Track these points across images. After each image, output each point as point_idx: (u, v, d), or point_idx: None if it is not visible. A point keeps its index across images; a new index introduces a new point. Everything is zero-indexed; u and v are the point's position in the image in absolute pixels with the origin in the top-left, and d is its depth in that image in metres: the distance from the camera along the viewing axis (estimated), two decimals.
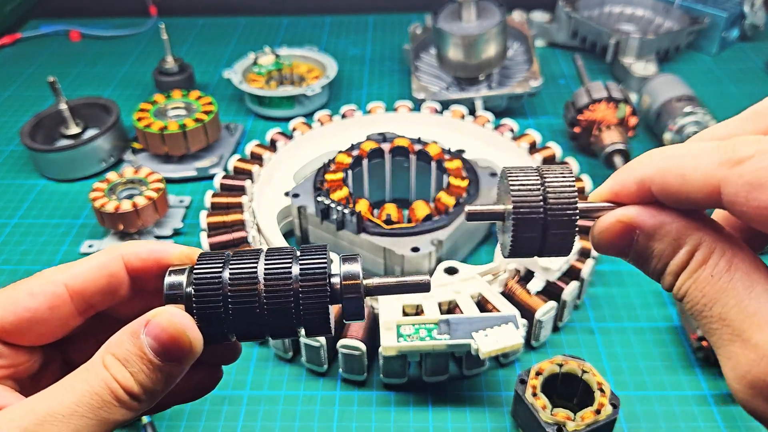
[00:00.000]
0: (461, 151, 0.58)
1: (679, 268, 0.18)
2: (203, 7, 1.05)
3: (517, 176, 0.20)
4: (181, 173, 0.64)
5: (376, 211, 0.51)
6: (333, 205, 0.48)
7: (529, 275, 0.46)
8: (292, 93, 0.72)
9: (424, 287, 0.20)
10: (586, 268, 0.47)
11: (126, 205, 0.53)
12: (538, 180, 0.20)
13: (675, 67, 0.83)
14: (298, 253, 0.20)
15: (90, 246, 0.56)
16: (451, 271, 0.47)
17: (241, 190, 0.56)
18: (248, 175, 0.57)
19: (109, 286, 0.20)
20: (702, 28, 0.83)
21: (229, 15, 1.02)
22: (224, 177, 0.57)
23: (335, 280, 0.20)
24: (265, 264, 0.20)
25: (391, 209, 0.51)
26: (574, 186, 0.20)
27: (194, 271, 0.20)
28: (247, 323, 0.19)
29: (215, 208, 0.54)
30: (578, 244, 0.46)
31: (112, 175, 0.57)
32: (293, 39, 0.94)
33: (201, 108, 0.66)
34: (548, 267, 0.44)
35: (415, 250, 0.46)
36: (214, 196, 0.55)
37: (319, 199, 0.49)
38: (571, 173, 0.20)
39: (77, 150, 0.64)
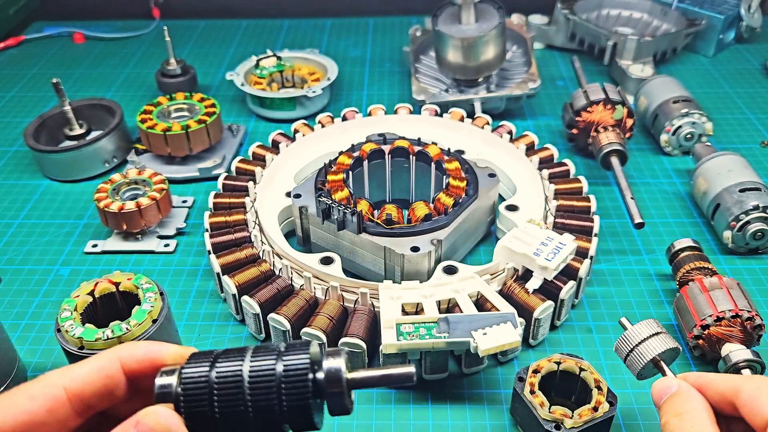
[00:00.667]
0: (460, 152, 0.59)
1: None
2: (205, 9, 1.06)
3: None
4: (184, 174, 0.65)
5: (376, 212, 0.52)
6: (334, 206, 0.48)
7: (527, 274, 0.47)
8: (294, 95, 0.73)
9: (409, 378, 0.21)
10: (584, 268, 0.48)
11: (129, 206, 0.54)
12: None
13: (672, 68, 0.84)
14: (283, 349, 0.21)
15: (94, 246, 0.57)
16: (450, 270, 0.47)
17: (243, 191, 0.57)
18: (250, 175, 0.58)
19: (106, 388, 0.21)
20: (699, 30, 0.84)
21: (230, 17, 1.03)
22: (227, 177, 0.58)
23: (320, 375, 0.20)
24: (250, 363, 0.20)
25: (391, 209, 0.52)
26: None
27: (182, 372, 0.21)
28: (233, 422, 0.20)
29: (218, 209, 0.55)
30: (574, 243, 0.46)
31: (115, 176, 0.58)
32: (294, 41, 0.95)
33: (203, 109, 0.66)
34: (546, 266, 0.44)
35: (415, 249, 0.47)
36: (216, 196, 0.56)
37: (320, 199, 0.49)
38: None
39: (81, 151, 0.64)
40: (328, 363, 0.21)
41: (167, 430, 0.19)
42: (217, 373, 0.20)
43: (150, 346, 0.22)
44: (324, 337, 0.43)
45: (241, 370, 0.20)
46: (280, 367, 0.20)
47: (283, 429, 0.20)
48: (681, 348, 0.39)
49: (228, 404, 0.20)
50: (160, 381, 0.21)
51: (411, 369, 0.21)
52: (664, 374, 0.33)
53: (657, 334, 0.37)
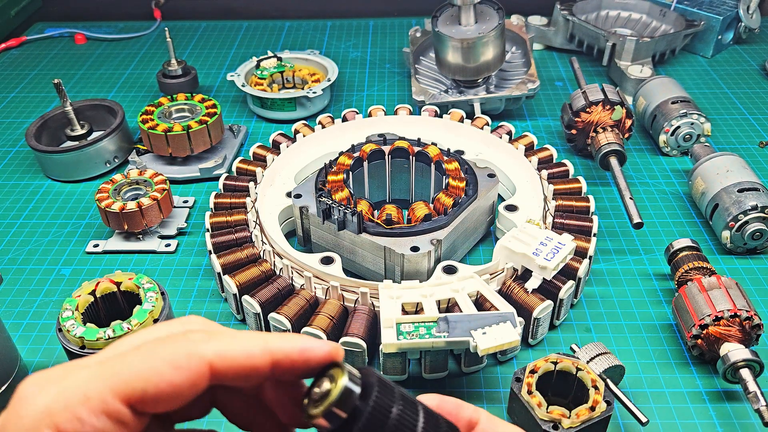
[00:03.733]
0: (460, 153, 0.59)
1: None
2: (206, 10, 1.07)
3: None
4: (185, 174, 0.65)
5: (376, 212, 0.52)
6: (334, 206, 0.49)
7: (526, 274, 0.47)
8: (294, 95, 0.73)
9: None
10: (583, 268, 0.48)
11: (131, 206, 0.54)
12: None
13: (671, 69, 0.84)
14: (446, 427, 0.20)
15: (95, 246, 0.57)
16: (449, 270, 0.47)
17: (244, 191, 0.57)
18: (251, 176, 0.58)
19: (247, 378, 0.19)
20: (697, 31, 0.84)
21: (231, 19, 1.03)
22: (227, 178, 0.58)
23: None
24: (423, 423, 0.19)
25: (391, 209, 0.52)
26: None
27: (374, 395, 0.19)
28: None
29: (218, 209, 0.55)
30: (573, 243, 0.47)
31: (117, 176, 0.58)
32: (295, 42, 0.95)
33: (204, 110, 0.67)
34: (545, 266, 0.45)
35: (415, 249, 0.47)
36: (217, 196, 0.56)
37: (320, 199, 0.50)
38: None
39: (82, 151, 0.65)
40: None
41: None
42: (399, 413, 0.19)
43: (304, 343, 0.20)
44: (324, 337, 0.43)
45: (416, 423, 0.19)
46: None
47: None
48: (625, 367, 0.42)
49: None
50: (346, 383, 0.19)
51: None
52: None
53: (603, 354, 0.41)
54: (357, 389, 0.19)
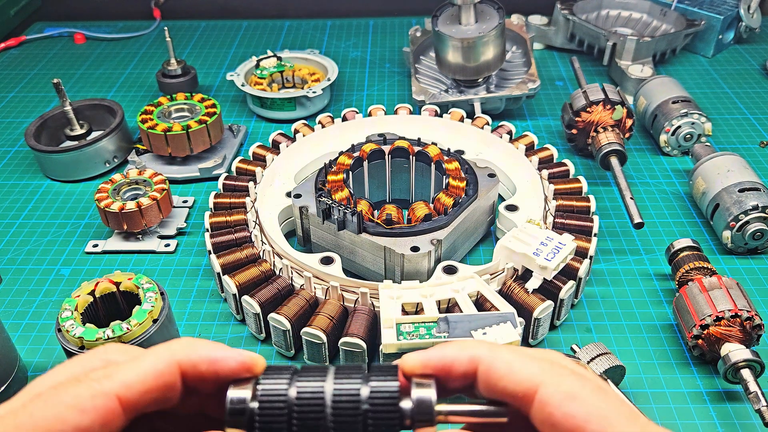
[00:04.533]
0: (460, 152, 0.59)
1: None
2: (206, 10, 1.06)
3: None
4: (184, 174, 0.65)
5: (376, 212, 0.52)
6: (334, 206, 0.49)
7: (526, 274, 0.47)
8: (294, 95, 0.73)
9: (503, 415, 0.19)
10: (583, 268, 0.48)
11: (130, 206, 0.54)
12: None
13: (671, 69, 0.84)
14: (367, 372, 0.19)
15: (94, 246, 0.57)
16: (450, 270, 0.47)
17: (243, 191, 0.57)
18: (251, 176, 0.58)
19: (163, 397, 0.19)
20: (698, 31, 0.84)
21: (231, 18, 1.03)
22: (227, 178, 0.58)
23: (405, 404, 0.19)
24: (334, 383, 0.19)
25: (391, 209, 0.52)
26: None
27: (260, 387, 0.19)
28: None
29: (218, 209, 0.55)
30: (574, 243, 0.46)
31: (116, 176, 0.58)
32: (294, 42, 0.95)
33: (204, 110, 0.67)
34: (545, 266, 0.44)
35: (415, 249, 0.47)
36: (217, 196, 0.56)
37: (320, 199, 0.49)
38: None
39: (82, 151, 0.65)
40: (418, 393, 0.19)
41: None
42: (297, 391, 0.18)
43: (210, 351, 0.19)
44: (324, 337, 0.43)
45: (323, 390, 0.18)
46: (366, 391, 0.18)
47: None
48: (625, 367, 0.42)
49: (308, 427, 0.18)
50: (233, 395, 0.19)
51: (503, 410, 0.19)
52: None
53: (603, 354, 0.41)
54: (244, 393, 0.19)
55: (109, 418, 0.17)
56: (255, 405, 0.19)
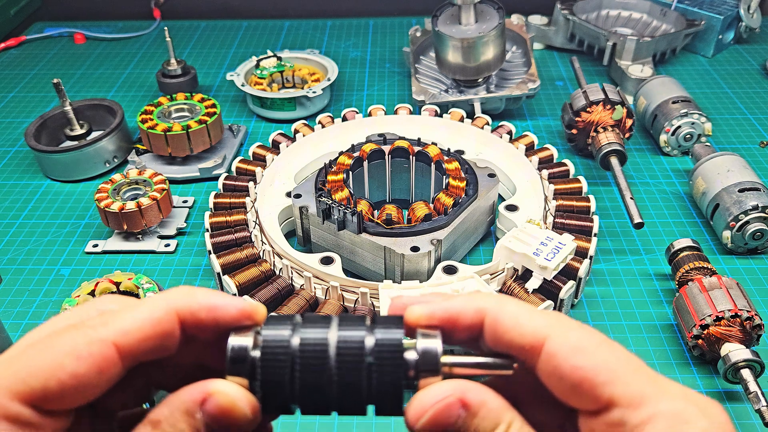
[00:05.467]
0: (460, 152, 0.59)
1: None
2: (206, 10, 1.06)
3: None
4: (184, 174, 0.65)
5: (376, 212, 0.52)
6: (334, 206, 0.49)
7: (526, 274, 0.47)
8: (294, 95, 0.73)
9: (507, 368, 0.19)
10: (583, 268, 0.48)
11: (130, 206, 0.54)
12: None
13: (671, 69, 0.84)
14: (373, 323, 0.19)
15: (94, 246, 0.57)
16: (450, 270, 0.47)
17: (243, 191, 0.57)
18: (251, 176, 0.58)
19: (161, 345, 0.18)
20: (698, 31, 0.84)
21: (231, 18, 1.03)
22: (227, 178, 0.58)
23: (410, 355, 0.18)
24: (339, 333, 0.18)
25: (391, 209, 0.52)
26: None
27: (262, 335, 0.18)
28: (312, 396, 0.18)
29: (218, 209, 0.55)
30: (574, 244, 0.46)
31: (116, 176, 0.58)
32: (294, 42, 0.95)
33: (204, 110, 0.67)
34: (545, 266, 0.44)
35: (415, 249, 0.47)
36: (217, 196, 0.56)
37: (320, 199, 0.49)
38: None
39: (81, 151, 0.65)
40: (423, 343, 0.18)
41: (240, 413, 0.17)
42: (301, 339, 0.18)
43: (213, 299, 0.19)
44: None
45: (326, 339, 0.18)
46: (370, 341, 0.18)
47: (363, 409, 0.18)
48: None
49: (311, 375, 0.18)
50: (235, 342, 0.18)
51: (509, 361, 0.19)
52: None
53: None
54: (245, 341, 0.18)
55: (105, 365, 0.17)
56: (257, 354, 0.18)
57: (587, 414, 0.18)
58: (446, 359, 0.19)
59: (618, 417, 0.17)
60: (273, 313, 0.20)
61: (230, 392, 0.18)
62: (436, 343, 0.19)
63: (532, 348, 0.18)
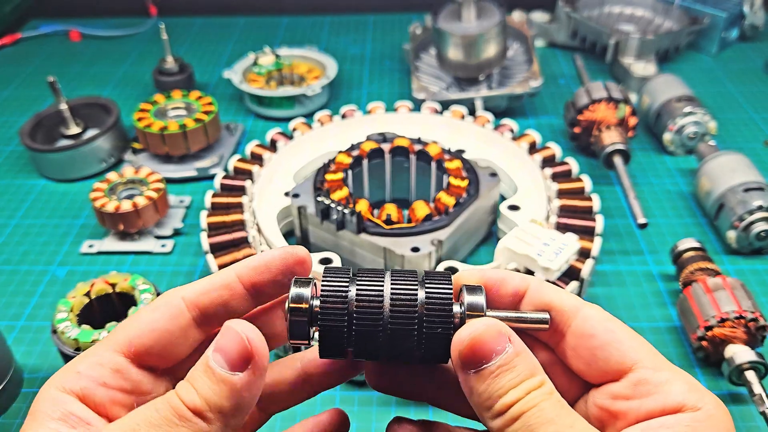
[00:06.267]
0: (461, 151, 0.59)
1: (526, 390, 0.19)
2: (202, 6, 1.05)
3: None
4: (181, 173, 0.65)
5: (376, 212, 0.51)
6: (333, 205, 0.48)
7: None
8: (292, 93, 0.72)
9: (544, 322, 0.21)
10: (586, 268, 0.47)
11: (126, 205, 0.53)
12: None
13: (675, 67, 0.83)
14: (423, 278, 0.20)
15: (90, 246, 0.56)
16: (451, 271, 0.47)
17: (241, 190, 0.56)
18: (248, 175, 0.58)
19: (222, 298, 0.21)
20: (702, 28, 0.83)
21: (228, 14, 1.02)
22: (224, 177, 0.57)
23: (458, 309, 0.20)
24: (392, 285, 0.20)
25: (391, 209, 0.51)
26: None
27: (322, 285, 0.20)
28: (367, 342, 0.20)
29: (215, 208, 0.54)
30: (578, 244, 0.46)
31: (112, 175, 0.57)
32: (293, 39, 0.94)
33: (201, 108, 0.66)
34: (548, 267, 0.44)
35: (415, 250, 0.46)
36: (214, 196, 0.55)
37: (319, 199, 0.49)
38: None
39: (77, 150, 0.64)
40: (471, 298, 0.20)
41: (242, 341, 0.18)
42: (357, 290, 0.20)
43: (258, 257, 0.22)
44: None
45: (382, 291, 0.20)
46: (422, 294, 0.20)
47: (412, 358, 0.20)
48: None
49: (366, 324, 0.19)
50: (295, 291, 0.20)
51: (545, 315, 0.21)
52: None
53: None
54: (305, 291, 0.20)
55: (175, 313, 0.21)
56: (317, 303, 0.20)
57: (606, 383, 0.20)
58: (490, 313, 0.20)
59: (642, 376, 0.19)
60: (330, 266, 0.22)
61: (234, 322, 0.19)
62: (480, 298, 0.20)
63: (570, 311, 0.21)
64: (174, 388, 0.19)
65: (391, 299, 0.19)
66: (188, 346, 0.21)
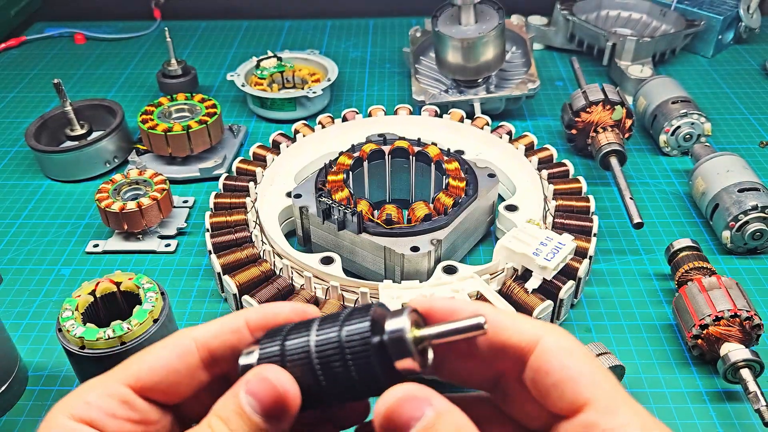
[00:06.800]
0: (460, 153, 0.59)
1: None
2: (206, 10, 1.06)
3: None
4: (184, 174, 0.65)
5: (376, 212, 0.52)
6: (334, 206, 0.49)
7: (526, 274, 0.47)
8: (294, 95, 0.73)
9: (479, 327, 0.19)
10: (583, 268, 0.48)
11: (131, 206, 0.54)
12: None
13: (671, 69, 0.84)
14: (344, 318, 0.20)
15: (95, 246, 0.57)
16: (450, 270, 0.47)
17: (244, 191, 0.57)
18: (251, 176, 0.58)
19: (231, 342, 0.21)
20: (698, 31, 0.84)
21: (231, 18, 1.03)
22: (227, 178, 0.58)
23: (377, 338, 0.19)
24: (316, 335, 0.20)
25: (391, 209, 0.52)
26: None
27: (258, 353, 0.21)
28: (308, 395, 0.20)
29: (218, 209, 0.55)
30: (574, 244, 0.47)
31: (116, 176, 0.58)
32: (295, 42, 0.95)
33: (204, 110, 0.67)
34: (545, 266, 0.45)
35: (415, 249, 0.47)
36: (217, 196, 0.56)
37: (320, 199, 0.49)
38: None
39: (82, 151, 0.65)
40: (390, 324, 0.19)
41: (276, 388, 0.19)
42: (286, 349, 0.20)
43: (270, 306, 0.22)
44: None
45: (308, 343, 0.20)
46: (343, 334, 0.19)
47: (357, 398, 0.20)
48: (625, 366, 0.42)
49: (302, 379, 0.20)
50: (242, 361, 0.21)
51: (480, 319, 0.19)
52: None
53: (603, 354, 0.41)
54: (250, 359, 0.21)
55: (184, 352, 0.21)
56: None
57: (560, 418, 0.19)
58: (420, 332, 0.19)
59: (592, 419, 0.18)
60: (309, 310, 0.22)
61: (269, 368, 0.19)
62: (402, 322, 0.19)
63: (528, 345, 0.20)
64: (176, 421, 0.21)
65: (316, 349, 0.19)
66: (193, 386, 0.21)
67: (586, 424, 0.18)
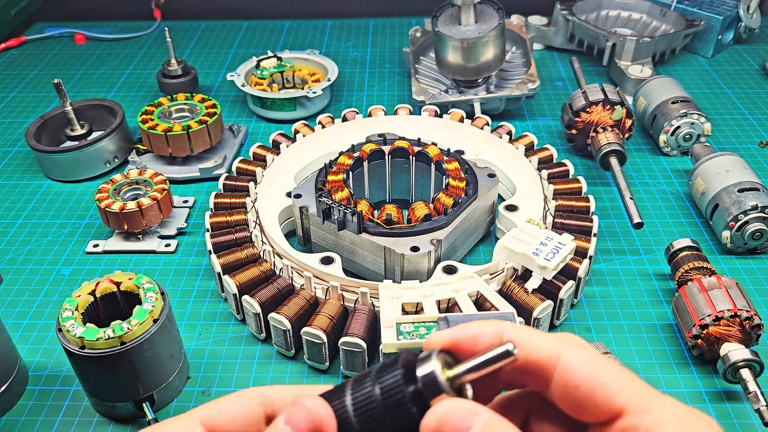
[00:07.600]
0: (460, 153, 0.59)
1: None
2: (206, 10, 1.07)
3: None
4: (185, 174, 0.65)
5: (376, 212, 0.52)
6: (334, 206, 0.49)
7: (526, 274, 0.47)
8: (294, 95, 0.73)
9: (509, 355, 0.19)
10: (583, 268, 0.48)
11: (131, 206, 0.54)
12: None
13: (671, 69, 0.84)
14: (375, 374, 0.20)
15: (95, 246, 0.57)
16: (449, 270, 0.47)
17: (244, 191, 0.57)
18: (251, 176, 0.58)
19: (244, 424, 0.22)
20: (698, 31, 0.84)
21: (231, 18, 1.03)
22: (227, 178, 0.58)
23: (411, 389, 0.19)
24: (351, 395, 0.20)
25: (391, 209, 0.52)
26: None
27: None
28: None
29: (218, 209, 0.55)
30: (573, 243, 0.47)
31: (117, 176, 0.58)
32: (295, 42, 0.95)
33: (204, 110, 0.67)
34: (545, 266, 0.45)
35: (415, 249, 0.47)
36: (217, 196, 0.56)
37: (320, 199, 0.50)
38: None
39: (82, 151, 0.65)
40: (421, 370, 0.19)
41: (317, 420, 0.19)
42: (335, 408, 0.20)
43: (294, 391, 0.22)
44: (324, 337, 0.43)
45: (344, 404, 0.20)
46: (377, 391, 0.20)
47: None
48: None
49: None
50: None
51: (509, 346, 0.19)
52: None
53: (603, 354, 0.41)
54: None
55: (251, 403, 0.21)
56: None
57: (597, 427, 0.19)
58: (450, 372, 0.20)
59: (630, 423, 0.19)
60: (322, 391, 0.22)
61: (309, 401, 0.20)
62: (432, 365, 0.19)
63: (548, 362, 0.20)
64: None
65: (353, 409, 0.20)
66: None
67: (624, 429, 0.19)
